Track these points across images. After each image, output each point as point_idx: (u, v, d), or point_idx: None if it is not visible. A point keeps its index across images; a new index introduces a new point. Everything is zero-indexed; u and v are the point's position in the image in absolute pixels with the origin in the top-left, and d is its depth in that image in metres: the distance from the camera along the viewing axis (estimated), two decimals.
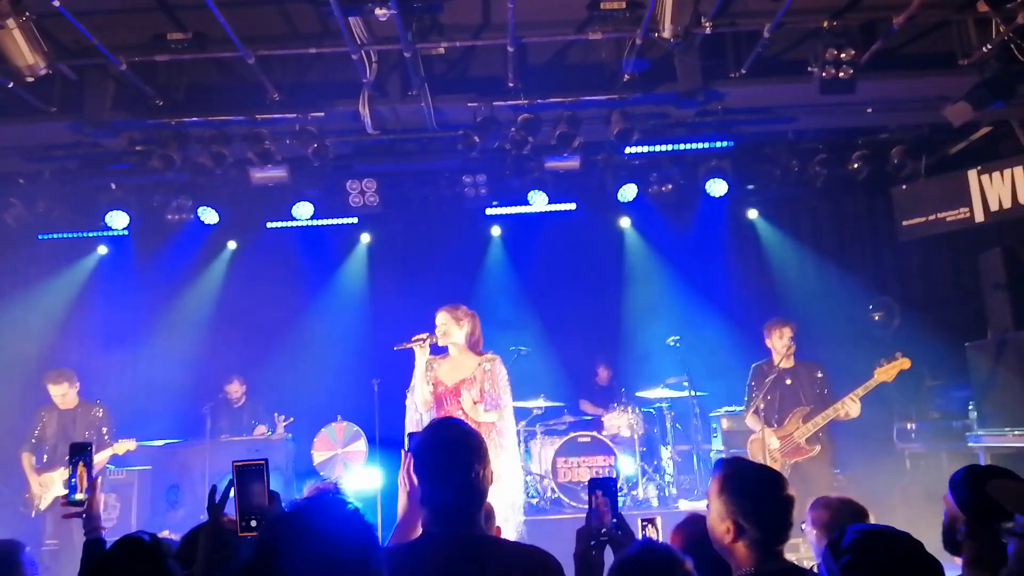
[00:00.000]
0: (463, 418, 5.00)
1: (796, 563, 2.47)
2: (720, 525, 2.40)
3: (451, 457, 2.20)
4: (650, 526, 2.87)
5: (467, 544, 2.15)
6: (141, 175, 7.73)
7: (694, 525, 2.73)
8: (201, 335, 8.93)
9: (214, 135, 6.84)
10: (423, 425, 5.16)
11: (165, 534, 7.04)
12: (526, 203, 8.14)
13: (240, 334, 8.91)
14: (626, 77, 6.46)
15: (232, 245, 9.38)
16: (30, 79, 5.48)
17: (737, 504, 2.38)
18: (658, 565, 2.05)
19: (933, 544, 2.35)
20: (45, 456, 6.70)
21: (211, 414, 7.93)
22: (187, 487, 7.65)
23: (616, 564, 2.10)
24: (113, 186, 8.06)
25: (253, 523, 1.99)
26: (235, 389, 8.33)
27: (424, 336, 5.26)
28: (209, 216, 8.19)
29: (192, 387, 8.55)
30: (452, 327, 5.31)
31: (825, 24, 5.90)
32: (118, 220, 7.98)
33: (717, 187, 7.93)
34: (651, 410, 8.20)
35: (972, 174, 7.61)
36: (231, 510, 2.07)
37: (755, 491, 2.39)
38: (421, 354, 5.26)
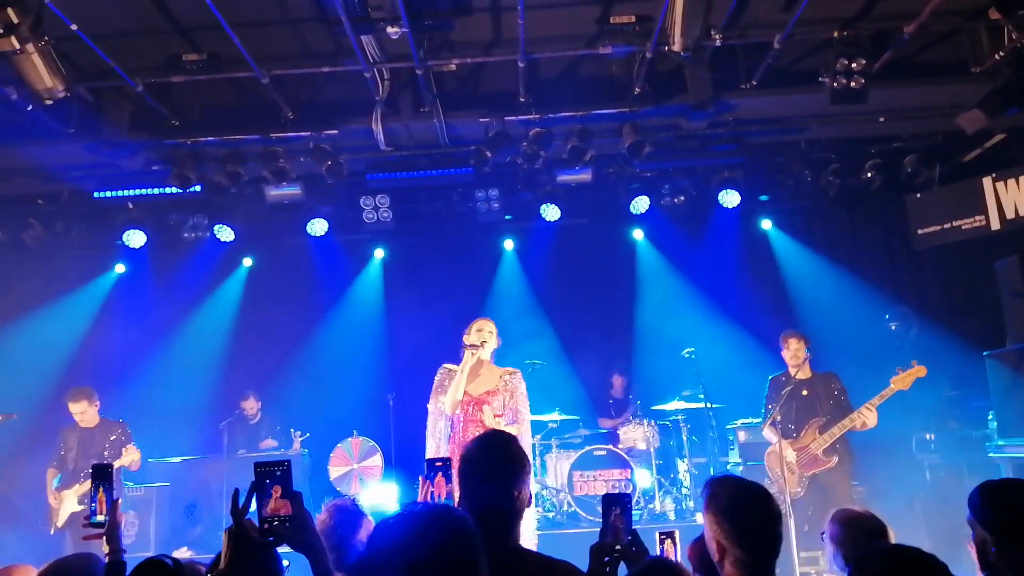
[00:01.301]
0: (482, 429, 5.04)
1: None
2: (710, 546, 2.39)
3: (500, 468, 2.23)
4: (668, 540, 2.85)
5: (506, 554, 2.17)
6: (158, 194, 7.83)
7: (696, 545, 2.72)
8: (218, 352, 9.00)
9: (229, 154, 6.92)
10: (443, 434, 5.19)
11: (184, 551, 7.10)
12: (539, 217, 8.16)
13: (256, 351, 8.96)
14: (637, 90, 6.48)
15: (248, 262, 9.46)
16: (49, 102, 5.57)
17: (719, 524, 2.35)
18: None
19: (952, 556, 2.33)
20: (65, 474, 6.75)
21: (228, 430, 7.98)
22: (205, 503, 7.69)
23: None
24: (130, 205, 8.16)
25: (276, 525, 1.97)
26: (251, 405, 8.39)
27: (482, 342, 5.27)
28: (225, 234, 8.27)
29: (209, 404, 8.62)
30: (491, 338, 5.35)
31: (836, 34, 5.92)
32: (135, 239, 8.08)
33: (730, 198, 7.93)
34: (667, 423, 8.16)
35: (987, 181, 7.57)
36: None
37: (735, 510, 2.35)
38: (471, 357, 5.24)
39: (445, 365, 5.41)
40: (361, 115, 6.61)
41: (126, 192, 7.83)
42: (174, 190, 7.17)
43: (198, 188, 7.15)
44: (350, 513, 2.93)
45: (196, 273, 9.04)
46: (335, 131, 6.72)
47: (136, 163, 7.17)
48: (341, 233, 8.68)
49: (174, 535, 7.47)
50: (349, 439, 8.19)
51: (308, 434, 8.18)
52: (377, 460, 8.12)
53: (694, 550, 2.77)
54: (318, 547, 2.01)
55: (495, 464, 2.26)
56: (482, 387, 5.30)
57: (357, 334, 9.16)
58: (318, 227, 8.22)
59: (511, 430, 5.16)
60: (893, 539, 3.00)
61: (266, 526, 1.98)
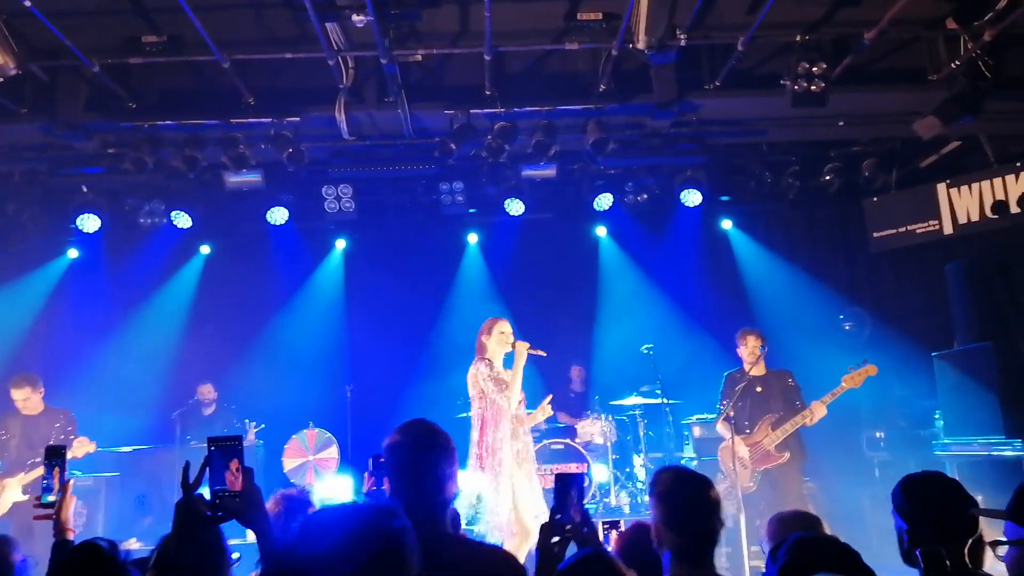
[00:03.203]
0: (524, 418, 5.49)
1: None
2: (654, 532, 2.42)
3: (426, 456, 2.22)
4: (613, 531, 2.89)
5: (437, 542, 2.15)
6: (113, 178, 7.67)
7: (634, 533, 2.76)
8: (172, 341, 8.84)
9: (188, 139, 6.79)
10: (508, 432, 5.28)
11: (133, 542, 6.96)
12: (503, 211, 8.16)
13: (212, 340, 8.82)
14: (602, 87, 6.51)
15: (205, 250, 9.30)
16: (0, 80, 5.41)
17: (658, 510, 2.40)
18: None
19: (897, 549, 2.39)
20: (7, 462, 6.58)
21: (181, 420, 7.85)
22: (156, 494, 7.55)
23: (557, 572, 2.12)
24: (84, 189, 7.96)
25: (225, 499, 1.99)
26: (208, 391, 8.26)
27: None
28: (182, 220, 8.12)
29: (162, 393, 8.47)
30: None
31: (798, 38, 6.01)
32: (89, 223, 7.89)
33: (692, 197, 8.00)
34: (624, 418, 8.24)
35: (941, 187, 7.76)
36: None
37: (672, 496, 2.40)
38: (524, 357, 5.51)
39: (486, 359, 5.56)
40: (324, 103, 6.53)
41: (80, 174, 7.65)
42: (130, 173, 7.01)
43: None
44: (298, 503, 2.91)
45: (152, 260, 8.85)
46: (297, 118, 6.63)
47: (91, 145, 7.00)
48: (302, 222, 8.58)
49: (123, 526, 7.33)
50: (305, 431, 8.11)
51: (263, 425, 8.09)
52: (333, 452, 8.06)
53: (618, 542, 2.80)
54: (265, 523, 2.00)
55: (421, 452, 2.25)
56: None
57: (316, 325, 9.07)
58: (278, 215, 8.11)
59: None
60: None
61: (216, 500, 1.99)
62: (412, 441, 2.28)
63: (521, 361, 5.49)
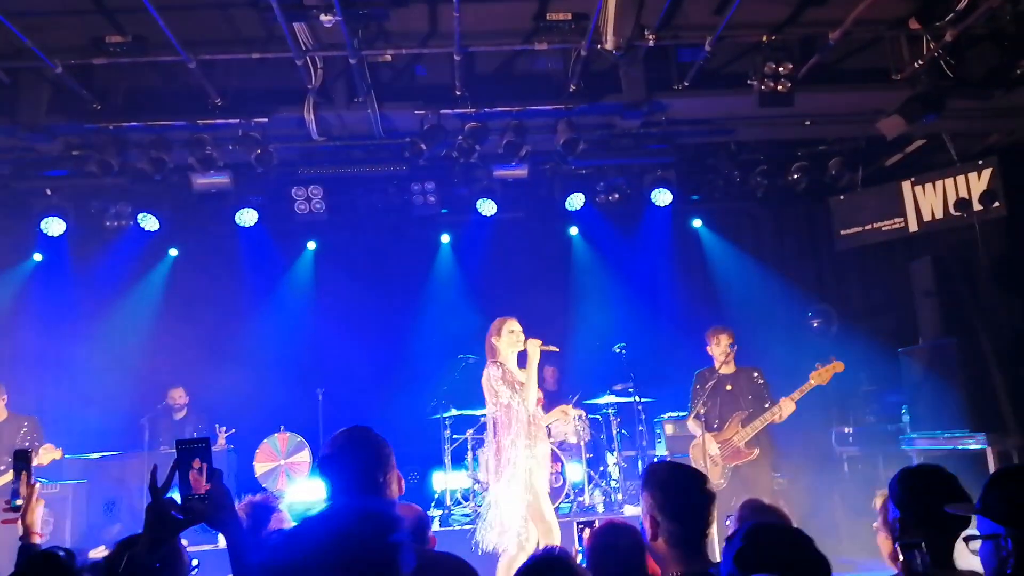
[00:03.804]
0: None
1: None
2: (645, 523, 2.44)
3: (353, 465, 2.21)
4: (587, 530, 2.90)
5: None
6: (78, 181, 7.54)
7: (605, 532, 2.78)
8: (140, 345, 8.72)
9: (154, 140, 6.70)
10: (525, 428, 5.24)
11: (101, 550, 6.85)
12: (475, 211, 8.15)
13: (181, 344, 8.71)
14: (572, 88, 6.53)
15: (174, 252, 9.19)
16: None
17: (653, 498, 2.42)
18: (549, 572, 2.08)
19: (870, 545, 2.43)
20: None
21: (150, 425, 7.76)
22: (125, 501, 7.45)
23: (519, 571, 2.13)
24: (49, 192, 7.83)
25: (195, 503, 1.98)
26: (179, 396, 8.16)
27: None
28: (149, 223, 8.00)
29: (130, 398, 8.35)
30: None
31: (764, 39, 6.07)
32: (54, 227, 7.75)
33: (662, 197, 8.06)
34: (597, 416, 8.27)
35: (906, 185, 7.88)
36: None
37: (669, 484, 2.43)
38: (537, 355, 5.41)
39: (498, 362, 5.46)
40: (293, 104, 6.48)
41: (44, 177, 7.52)
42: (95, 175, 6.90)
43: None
44: (263, 509, 2.88)
45: (119, 263, 8.72)
46: (265, 119, 6.57)
47: (55, 148, 6.89)
48: (272, 224, 8.51)
49: (91, 534, 7.21)
50: (276, 435, 8.04)
51: (234, 429, 8.00)
52: (305, 456, 8.00)
53: (589, 540, 2.82)
54: (234, 526, 1.98)
55: (352, 462, 2.24)
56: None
57: (287, 328, 9.00)
58: (247, 217, 8.03)
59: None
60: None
61: (185, 504, 1.98)
62: (342, 450, 2.27)
63: (534, 360, 5.38)
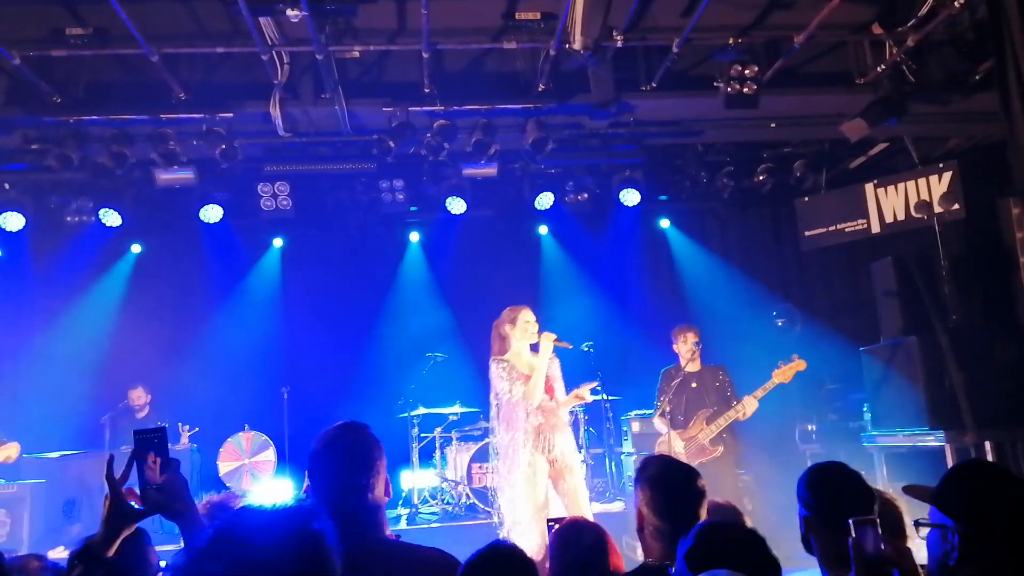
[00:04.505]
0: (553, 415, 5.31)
1: None
2: (635, 515, 2.47)
3: (347, 464, 2.19)
4: (557, 527, 2.91)
5: (366, 547, 2.12)
6: (37, 175, 7.38)
7: (567, 531, 2.79)
8: (102, 342, 8.56)
9: (115, 134, 6.58)
10: (523, 422, 5.17)
11: (60, 551, 6.72)
12: (444, 210, 8.12)
13: (143, 342, 8.56)
14: (541, 87, 6.54)
15: (136, 249, 9.04)
16: None
17: (643, 492, 2.45)
18: (499, 565, 2.09)
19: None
20: None
21: (111, 424, 7.63)
22: (85, 501, 7.30)
23: (463, 565, 2.13)
24: (7, 186, 7.65)
25: (150, 493, 1.96)
26: (139, 396, 8.01)
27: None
28: (111, 218, 7.84)
29: (91, 397, 8.20)
30: None
31: (731, 41, 6.12)
32: (13, 222, 7.56)
33: (630, 197, 8.09)
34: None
35: (869, 187, 8.02)
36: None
37: (658, 479, 2.46)
38: (549, 348, 5.33)
39: (501, 357, 5.42)
40: (258, 99, 6.40)
41: (2, 171, 7.35)
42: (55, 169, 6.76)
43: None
44: (223, 509, 2.85)
45: (80, 259, 8.56)
46: (230, 114, 6.48)
47: (13, 141, 6.74)
48: (237, 220, 8.39)
49: (50, 534, 7.08)
50: (240, 433, 7.96)
51: (197, 428, 7.90)
52: (270, 455, 7.93)
53: (551, 538, 2.83)
54: (190, 516, 1.96)
55: (342, 460, 2.21)
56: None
57: (252, 325, 8.89)
58: (212, 213, 7.90)
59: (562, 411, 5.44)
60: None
61: (144, 494, 1.96)
62: (330, 448, 2.25)
63: (546, 353, 5.30)
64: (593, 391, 5.50)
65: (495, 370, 5.37)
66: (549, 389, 5.43)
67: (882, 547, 1.93)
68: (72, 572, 1.91)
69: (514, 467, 5.22)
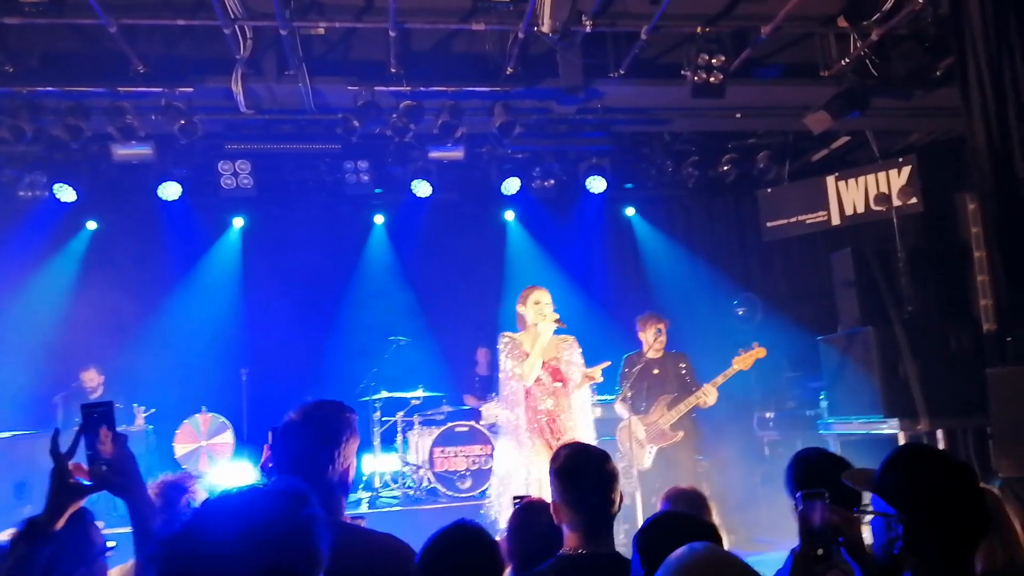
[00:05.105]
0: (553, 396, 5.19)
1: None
2: (553, 509, 2.46)
3: (299, 440, 2.16)
4: (519, 504, 2.92)
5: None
6: None
7: (523, 511, 2.80)
8: (55, 321, 8.34)
9: (71, 107, 6.38)
10: (517, 398, 5.13)
11: (11, 532, 6.57)
12: (410, 192, 8.04)
13: (98, 321, 8.34)
14: (509, 70, 6.49)
15: (92, 225, 8.82)
16: None
17: (554, 484, 2.44)
18: (462, 542, 2.09)
19: (789, 527, 2.47)
20: None
21: (63, 404, 7.45)
22: (36, 482, 7.12)
23: (426, 542, 2.11)
24: None
25: (102, 468, 1.91)
26: (91, 378, 7.83)
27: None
28: (66, 194, 7.63)
29: (43, 377, 8.00)
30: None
31: (699, 30, 6.13)
32: None
33: (597, 184, 8.11)
34: None
35: (830, 180, 8.14)
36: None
37: (568, 471, 2.44)
38: (549, 332, 5.22)
39: (506, 334, 5.36)
40: (220, 74, 6.23)
41: None
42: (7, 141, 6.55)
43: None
44: (175, 489, 2.80)
45: (33, 236, 8.30)
46: (190, 89, 6.31)
47: None
48: (196, 198, 8.22)
49: (1, 516, 6.90)
50: (197, 415, 7.82)
51: (153, 409, 7.75)
52: (228, 437, 7.81)
53: (510, 519, 2.84)
54: (137, 492, 1.90)
55: (311, 430, 2.18)
56: (548, 355, 5.30)
57: (210, 306, 8.73)
58: (170, 191, 7.72)
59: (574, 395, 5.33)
60: (715, 514, 3.17)
61: (92, 468, 1.91)
62: (302, 416, 2.22)
63: (545, 336, 5.19)
64: (605, 371, 5.39)
65: (500, 345, 5.34)
66: (558, 373, 5.32)
67: (828, 518, 1.93)
68: (13, 553, 1.85)
69: (516, 442, 5.18)
